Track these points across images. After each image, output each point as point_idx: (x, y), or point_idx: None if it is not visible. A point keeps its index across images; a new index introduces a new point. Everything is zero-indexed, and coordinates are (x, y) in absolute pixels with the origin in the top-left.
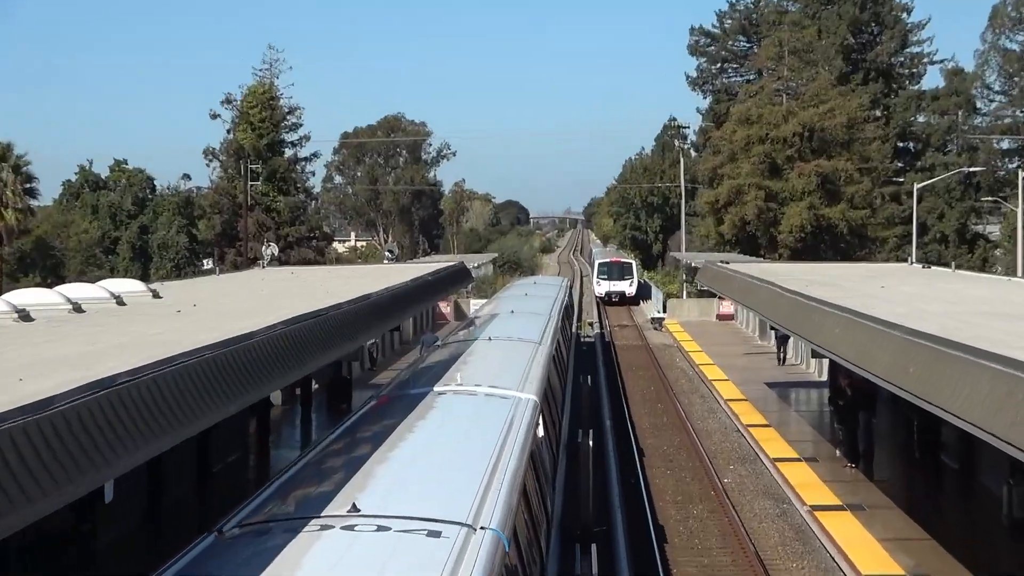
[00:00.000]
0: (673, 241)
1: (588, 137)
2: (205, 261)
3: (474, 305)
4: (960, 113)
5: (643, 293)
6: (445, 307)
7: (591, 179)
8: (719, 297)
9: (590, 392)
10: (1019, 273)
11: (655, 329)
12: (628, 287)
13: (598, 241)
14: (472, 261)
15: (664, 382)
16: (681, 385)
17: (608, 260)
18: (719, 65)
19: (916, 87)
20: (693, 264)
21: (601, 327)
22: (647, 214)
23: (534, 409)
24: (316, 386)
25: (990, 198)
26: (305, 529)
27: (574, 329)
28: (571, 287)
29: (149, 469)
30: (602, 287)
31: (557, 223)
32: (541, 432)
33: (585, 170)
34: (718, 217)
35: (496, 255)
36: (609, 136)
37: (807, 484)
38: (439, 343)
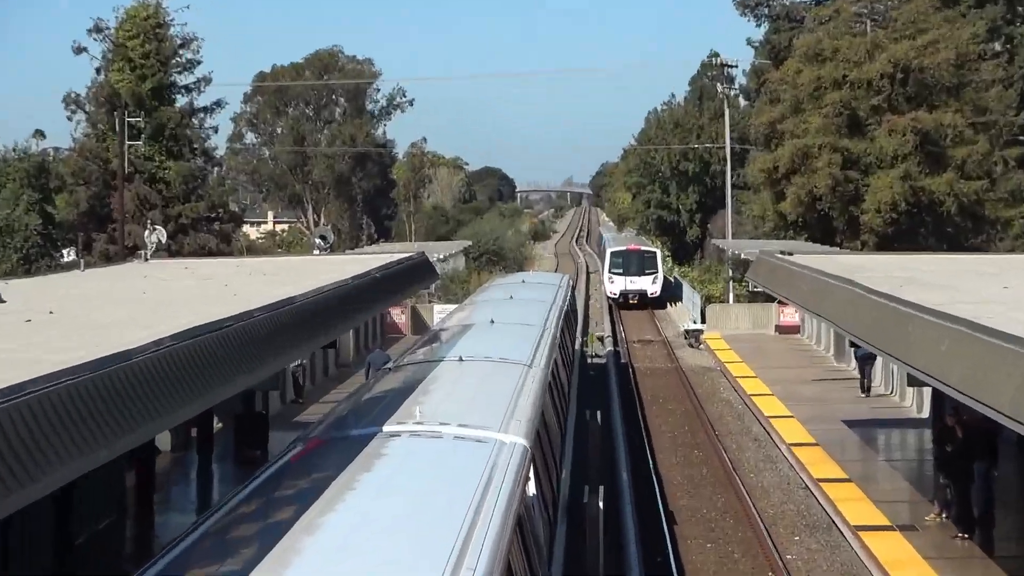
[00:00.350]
0: (715, 224)
1: (596, 81)
2: (66, 251)
3: (439, 312)
4: None
5: (671, 293)
6: (399, 315)
7: (601, 139)
8: (778, 301)
9: (601, 433)
10: None
11: (690, 346)
12: (651, 285)
13: (611, 223)
14: (436, 251)
15: (703, 420)
16: (727, 424)
17: (624, 248)
18: None
19: None
20: (743, 256)
21: (616, 342)
22: (679, 186)
23: (522, 457)
24: (219, 425)
25: None
26: None
27: (578, 346)
28: (574, 287)
29: None
30: (616, 284)
31: (554, 199)
32: (532, 489)
33: (593, 127)
34: (777, 191)
35: (469, 243)
36: (626, 79)
37: (902, 561)
38: (391, 365)
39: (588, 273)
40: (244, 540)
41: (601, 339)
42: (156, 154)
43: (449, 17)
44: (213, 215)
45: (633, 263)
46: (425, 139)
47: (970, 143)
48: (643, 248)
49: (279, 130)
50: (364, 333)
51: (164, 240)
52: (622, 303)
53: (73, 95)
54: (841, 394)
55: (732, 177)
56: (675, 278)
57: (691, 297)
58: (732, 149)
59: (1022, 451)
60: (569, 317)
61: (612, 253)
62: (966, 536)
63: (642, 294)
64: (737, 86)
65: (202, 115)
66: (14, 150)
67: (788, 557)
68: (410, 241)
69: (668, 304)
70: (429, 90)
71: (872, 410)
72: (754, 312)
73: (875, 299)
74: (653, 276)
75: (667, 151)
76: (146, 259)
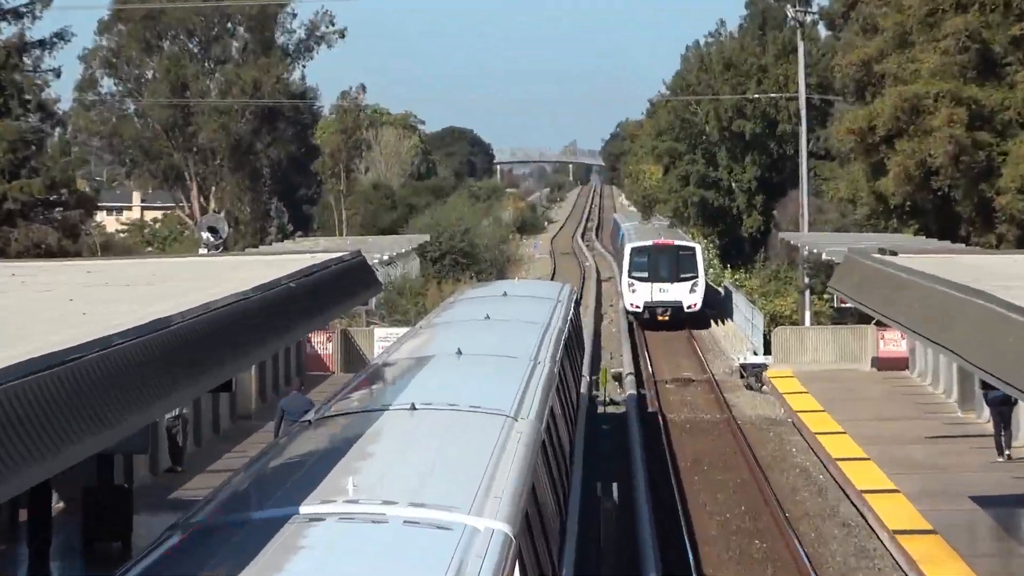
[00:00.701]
0: (784, 210)
1: (610, 3)
2: None
3: (382, 340)
4: None
5: (719, 308)
6: (324, 344)
7: (617, 88)
8: (876, 323)
9: (618, 516)
10: None
11: (749, 387)
12: (688, 294)
13: (631, 208)
14: (378, 249)
15: (767, 496)
16: (802, 502)
17: (650, 244)
18: None
19: None
20: (824, 256)
21: (640, 382)
22: (731, 155)
23: (503, 550)
24: (61, 505)
25: None
26: None
27: (585, 387)
28: (579, 302)
29: None
30: (638, 294)
31: (550, 173)
32: None
33: (606, 70)
34: (875, 161)
35: (427, 237)
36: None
37: None
38: (312, 416)
39: (599, 281)
40: None
41: (618, 378)
42: None
43: None
44: (53, 197)
45: (663, 264)
46: (363, 87)
47: None
48: (677, 243)
49: (150, 74)
50: (273, 370)
51: None
52: (647, 321)
53: None
54: (969, 458)
55: (808, 142)
56: (725, 287)
57: (749, 315)
58: (809, 101)
59: None
60: (572, 345)
61: (633, 250)
62: None
63: (676, 308)
64: (816, 9)
65: (37, 52)
66: None
67: None
68: (340, 235)
69: (713, 323)
70: (368, 16)
71: (1015, 481)
72: (841, 339)
73: (1019, 319)
74: (692, 282)
75: (714, 104)
76: None
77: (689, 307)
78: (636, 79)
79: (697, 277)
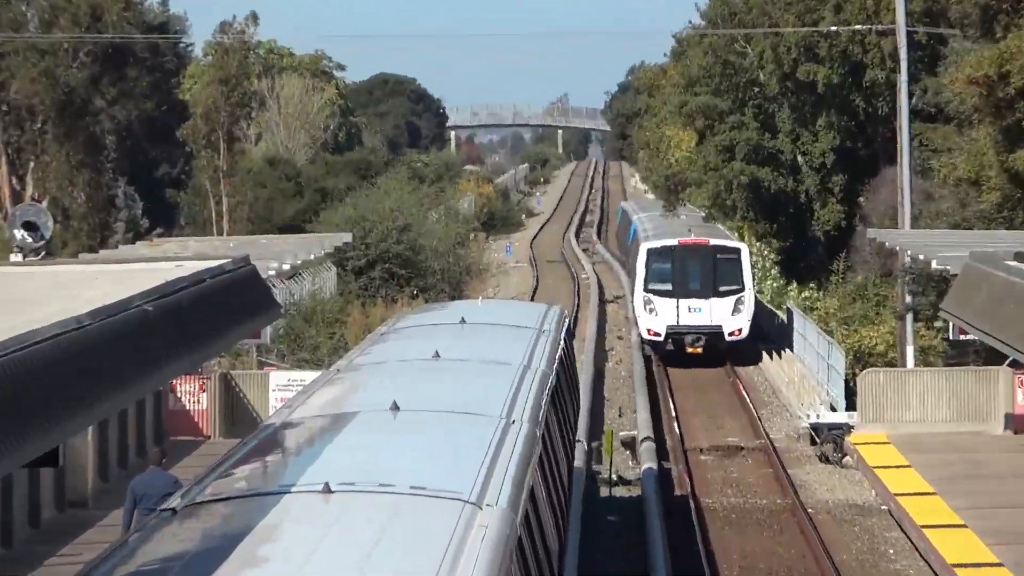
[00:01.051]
0: (875, 197)
1: None
2: None
3: (281, 387)
4: None
5: (776, 338)
6: (196, 395)
7: (628, 19)
8: (1012, 364)
9: None
10: None
11: (824, 460)
12: (730, 317)
13: (649, 194)
14: (276, 255)
15: None
16: None
17: (674, 243)
18: None
19: None
20: (935, 265)
21: (660, 452)
22: (796, 115)
23: None
24: None
25: None
26: None
27: (582, 458)
28: (570, 330)
29: None
30: (659, 316)
31: (530, 142)
32: None
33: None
34: (1008, 125)
35: (348, 237)
36: None
37: None
38: (177, 504)
39: (603, 301)
40: None
41: (630, 445)
42: None
43: None
44: None
45: (694, 272)
46: (255, 16)
47: None
48: (714, 241)
49: None
50: (121, 434)
51: None
52: (671, 355)
53: None
54: None
55: (911, 97)
56: (788, 309)
57: (823, 351)
58: (911, 36)
59: None
60: (562, 397)
61: (651, 252)
62: None
63: (713, 335)
64: None
65: None
66: None
67: None
68: (219, 234)
69: (768, 357)
70: None
71: None
72: (960, 386)
73: None
74: (735, 298)
75: (772, 40)
76: None
77: (731, 334)
78: (653, 8)
79: (743, 291)
